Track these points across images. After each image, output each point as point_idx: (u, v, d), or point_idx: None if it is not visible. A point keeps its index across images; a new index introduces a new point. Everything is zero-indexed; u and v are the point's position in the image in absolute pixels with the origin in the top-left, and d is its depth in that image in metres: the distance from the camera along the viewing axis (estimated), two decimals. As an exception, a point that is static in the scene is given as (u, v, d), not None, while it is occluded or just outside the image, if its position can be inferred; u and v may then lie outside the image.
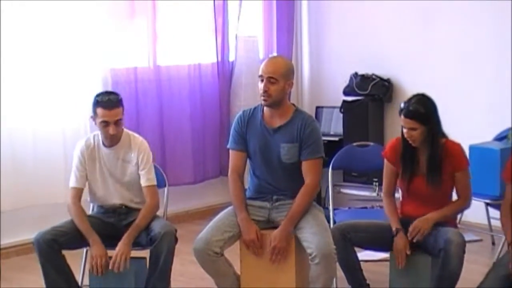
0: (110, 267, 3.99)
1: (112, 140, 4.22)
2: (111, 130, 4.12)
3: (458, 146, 4.05)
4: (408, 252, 3.94)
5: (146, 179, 4.25)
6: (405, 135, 3.98)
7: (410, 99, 4.00)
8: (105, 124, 4.12)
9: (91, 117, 4.22)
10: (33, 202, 5.43)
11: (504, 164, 4.10)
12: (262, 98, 4.05)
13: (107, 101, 4.13)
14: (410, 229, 3.95)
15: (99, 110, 4.12)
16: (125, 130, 4.30)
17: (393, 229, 4.02)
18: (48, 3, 5.41)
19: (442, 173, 3.99)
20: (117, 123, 4.14)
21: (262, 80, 4.02)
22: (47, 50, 5.48)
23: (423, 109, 3.94)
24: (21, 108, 5.39)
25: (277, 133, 4.11)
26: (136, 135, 4.35)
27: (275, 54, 6.78)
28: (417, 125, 3.92)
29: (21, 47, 5.36)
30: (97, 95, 4.21)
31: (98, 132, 4.28)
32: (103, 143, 4.26)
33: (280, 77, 4.01)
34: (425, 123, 3.93)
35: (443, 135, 4.04)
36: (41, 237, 3.98)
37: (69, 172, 4.32)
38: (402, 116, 3.96)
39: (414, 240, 3.93)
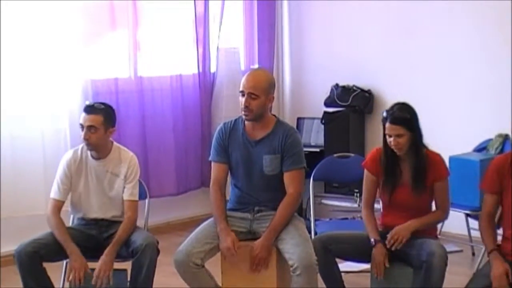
0: (93, 283, 3.96)
1: (88, 148, 4.23)
2: (83, 134, 4.17)
3: (439, 156, 4.07)
4: (387, 265, 3.93)
5: (130, 193, 4.26)
6: (391, 143, 3.97)
7: (392, 107, 4.01)
8: (81, 127, 4.20)
9: None
10: (12, 214, 5.39)
11: (483, 175, 4.12)
12: (243, 113, 4.05)
13: (88, 106, 4.26)
14: (389, 237, 3.95)
15: (81, 115, 4.21)
16: (114, 143, 4.34)
17: (372, 240, 4.03)
18: (29, 12, 5.40)
19: (426, 182, 4.01)
20: (91, 129, 4.16)
21: (243, 95, 4.03)
22: (27, 60, 5.47)
23: (408, 115, 3.97)
24: (0, 117, 5.35)
25: (259, 145, 4.11)
26: (126, 149, 4.38)
27: (256, 66, 6.81)
28: (403, 131, 3.93)
29: (2, 56, 5.33)
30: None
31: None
32: (91, 156, 4.27)
33: (261, 92, 4.01)
34: (411, 129, 3.95)
35: (424, 145, 4.06)
36: (22, 250, 3.95)
37: (48, 184, 4.30)
38: (388, 124, 3.96)
39: (393, 249, 3.94)
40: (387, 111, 4.01)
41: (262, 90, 4.01)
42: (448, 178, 4.10)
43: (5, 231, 5.33)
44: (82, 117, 4.21)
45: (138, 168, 4.33)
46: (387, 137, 4.00)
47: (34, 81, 5.51)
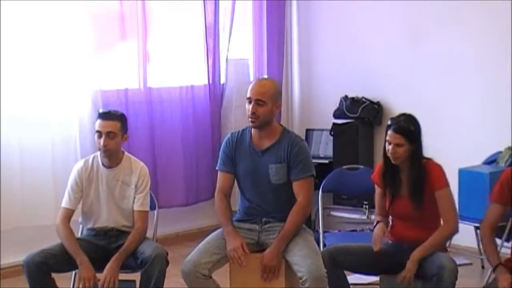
0: (99, 290, 3.96)
1: (105, 154, 4.23)
2: (102, 141, 4.16)
3: (438, 167, 4.03)
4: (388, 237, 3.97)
5: (141, 203, 4.27)
6: (390, 151, 3.96)
7: (399, 116, 4.02)
8: (98, 134, 4.19)
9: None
10: (21, 224, 5.39)
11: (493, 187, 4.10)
12: (250, 120, 4.07)
13: (105, 112, 4.28)
14: (399, 277, 3.89)
15: (97, 122, 4.23)
16: (125, 153, 4.36)
17: (375, 223, 4.07)
18: (40, 22, 5.43)
19: (424, 194, 3.98)
20: (109, 135, 4.18)
21: (250, 102, 4.04)
22: (37, 70, 5.48)
23: (412, 127, 3.97)
24: (10, 127, 5.37)
25: (265, 154, 4.12)
26: (137, 159, 4.39)
27: (265, 77, 6.81)
28: (404, 141, 3.93)
29: (13, 66, 5.36)
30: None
31: (97, 153, 4.33)
32: (102, 164, 4.28)
33: (268, 99, 4.03)
34: (412, 141, 3.94)
35: (425, 157, 4.05)
36: (31, 260, 3.96)
37: (58, 194, 4.31)
38: (390, 131, 3.96)
39: (405, 285, 3.89)
40: (393, 119, 4.02)
41: (269, 97, 4.02)
42: (449, 189, 4.03)
43: (14, 241, 5.33)
44: (98, 124, 4.21)
45: (149, 179, 4.34)
46: (386, 144, 4.00)
47: (44, 90, 5.53)
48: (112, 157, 4.26)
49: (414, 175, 3.98)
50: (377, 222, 4.06)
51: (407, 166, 4.01)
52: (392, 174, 4.06)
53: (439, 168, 4.03)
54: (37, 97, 5.51)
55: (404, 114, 4.04)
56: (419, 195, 3.97)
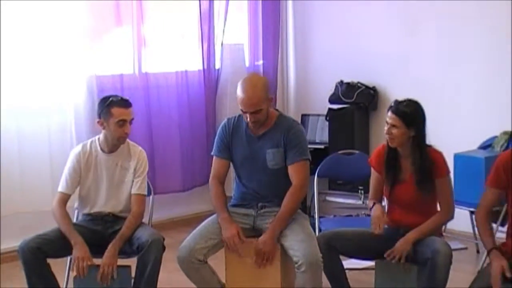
0: (98, 279, 3.95)
1: (120, 142, 4.23)
2: (127, 128, 4.16)
3: (439, 154, 4.05)
4: (385, 222, 3.95)
5: (138, 187, 4.27)
6: (386, 132, 3.99)
7: (402, 100, 4.03)
8: (122, 123, 4.16)
9: (98, 121, 4.22)
10: (18, 209, 5.40)
11: (488, 172, 4.11)
12: (253, 126, 4.05)
13: (122, 100, 4.21)
14: (389, 253, 3.92)
15: (115, 110, 4.14)
16: None
17: (370, 205, 4.06)
18: (34, 8, 5.40)
19: (430, 180, 4.00)
20: (131, 122, 4.19)
21: (245, 113, 4.01)
22: (33, 56, 5.47)
23: (409, 110, 3.97)
24: (6, 114, 5.36)
25: (262, 139, 4.12)
26: (135, 144, 4.38)
27: (261, 62, 6.79)
28: (399, 123, 3.94)
29: (8, 51, 5.33)
30: (107, 97, 4.23)
31: (95, 138, 4.31)
32: (101, 149, 4.27)
33: (263, 103, 3.99)
34: (407, 124, 3.94)
35: (427, 144, 4.05)
36: (25, 245, 3.95)
37: (55, 179, 4.31)
38: (389, 112, 3.99)
39: (393, 261, 3.91)
40: (395, 101, 4.03)
41: (262, 101, 3.99)
42: (449, 176, 4.08)
43: (12, 227, 5.33)
44: (121, 112, 4.14)
45: (147, 163, 4.34)
46: (385, 125, 4.02)
47: (40, 76, 5.52)
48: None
49: (419, 161, 3.98)
50: (374, 204, 4.06)
51: (408, 152, 4.01)
52: (394, 160, 4.06)
53: (440, 155, 4.05)
54: (33, 84, 5.49)
55: (409, 99, 4.05)
56: (427, 180, 3.98)
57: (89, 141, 4.34)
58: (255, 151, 4.13)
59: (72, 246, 4.02)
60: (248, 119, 4.01)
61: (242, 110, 4.02)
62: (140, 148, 4.36)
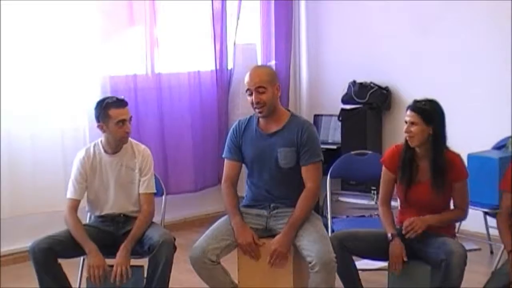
0: (111, 280, 3.96)
1: (123, 141, 4.22)
2: (127, 127, 4.17)
3: (458, 157, 4.06)
4: (405, 259, 3.92)
5: (146, 186, 4.26)
6: (405, 131, 3.99)
7: (421, 99, 4.03)
8: (122, 123, 4.15)
9: (98, 125, 4.21)
10: (32, 210, 5.41)
11: (502, 173, 4.09)
12: (257, 110, 4.07)
13: (118, 100, 4.20)
14: (405, 223, 3.95)
15: (113, 111, 4.14)
16: None
17: (389, 235, 4.01)
18: (49, 9, 5.41)
19: (445, 181, 3.99)
20: (130, 120, 4.19)
21: (251, 94, 4.04)
22: (46, 58, 5.48)
23: (428, 108, 3.98)
24: (20, 116, 5.38)
25: (273, 138, 4.12)
26: (138, 143, 4.37)
27: (273, 62, 6.79)
28: (418, 120, 3.95)
29: (21, 53, 5.36)
30: (102, 100, 4.22)
31: (97, 141, 4.30)
32: (105, 151, 4.26)
33: (268, 85, 4.03)
34: (427, 121, 3.95)
35: (446, 146, 4.04)
36: (36, 246, 3.96)
37: (68, 180, 4.30)
38: (408, 110, 4.00)
39: (406, 237, 3.92)
40: (414, 100, 4.04)
41: (267, 82, 4.03)
42: (467, 180, 4.07)
43: (26, 227, 5.34)
44: (120, 112, 4.14)
45: (152, 161, 4.32)
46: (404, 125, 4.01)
47: (53, 78, 5.52)
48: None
49: (437, 162, 3.97)
50: (392, 236, 3.99)
51: (426, 152, 4.00)
52: (410, 160, 4.05)
53: (459, 159, 4.06)
54: (47, 85, 5.50)
55: (429, 99, 4.05)
56: (442, 181, 3.98)
57: (91, 145, 4.33)
58: (266, 149, 4.12)
59: (86, 253, 4.03)
60: (254, 99, 4.02)
61: (247, 91, 4.04)
62: (143, 146, 4.35)
